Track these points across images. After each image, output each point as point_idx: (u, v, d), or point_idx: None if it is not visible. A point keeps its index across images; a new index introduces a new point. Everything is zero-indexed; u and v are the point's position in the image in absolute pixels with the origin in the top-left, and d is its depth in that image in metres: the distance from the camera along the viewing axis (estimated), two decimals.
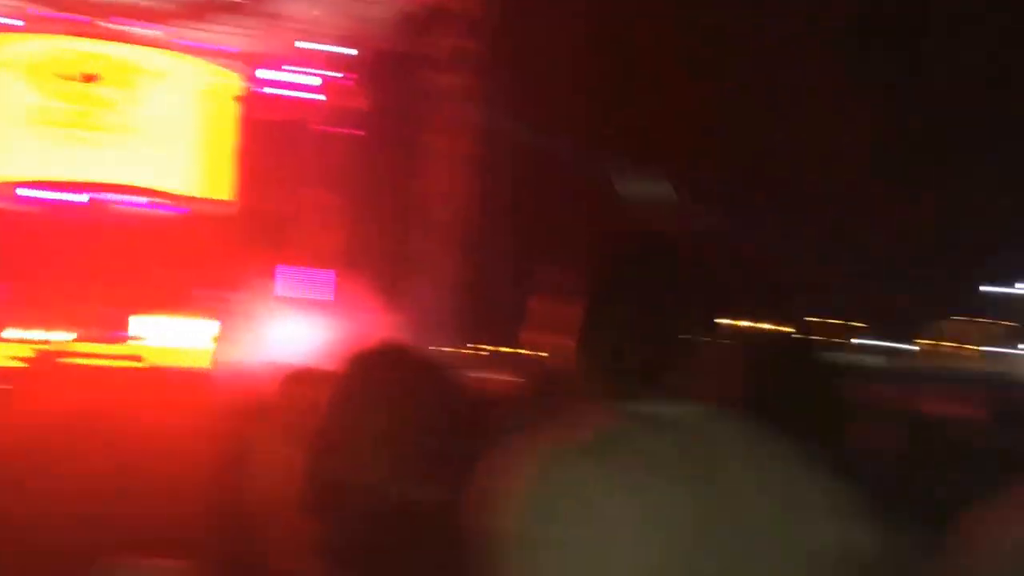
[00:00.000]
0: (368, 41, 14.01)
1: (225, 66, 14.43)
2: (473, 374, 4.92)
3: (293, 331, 10.47)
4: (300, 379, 4.61)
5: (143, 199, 13.97)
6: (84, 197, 13.65)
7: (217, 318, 11.68)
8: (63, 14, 13.31)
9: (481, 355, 13.00)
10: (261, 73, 14.48)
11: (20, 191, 13.52)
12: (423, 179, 13.21)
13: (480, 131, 13.03)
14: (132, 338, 12.46)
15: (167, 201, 14.09)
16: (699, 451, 1.34)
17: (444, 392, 1.86)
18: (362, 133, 14.03)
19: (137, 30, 13.59)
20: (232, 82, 14.50)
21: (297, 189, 13.89)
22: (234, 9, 13.30)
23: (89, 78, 13.53)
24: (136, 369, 10.10)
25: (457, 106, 13.08)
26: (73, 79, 13.49)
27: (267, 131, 14.29)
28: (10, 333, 11.86)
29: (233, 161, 14.38)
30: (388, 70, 13.63)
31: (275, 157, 14.09)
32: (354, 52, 14.21)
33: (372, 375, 1.84)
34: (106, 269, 12.30)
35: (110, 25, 13.44)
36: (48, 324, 12.10)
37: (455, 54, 13.02)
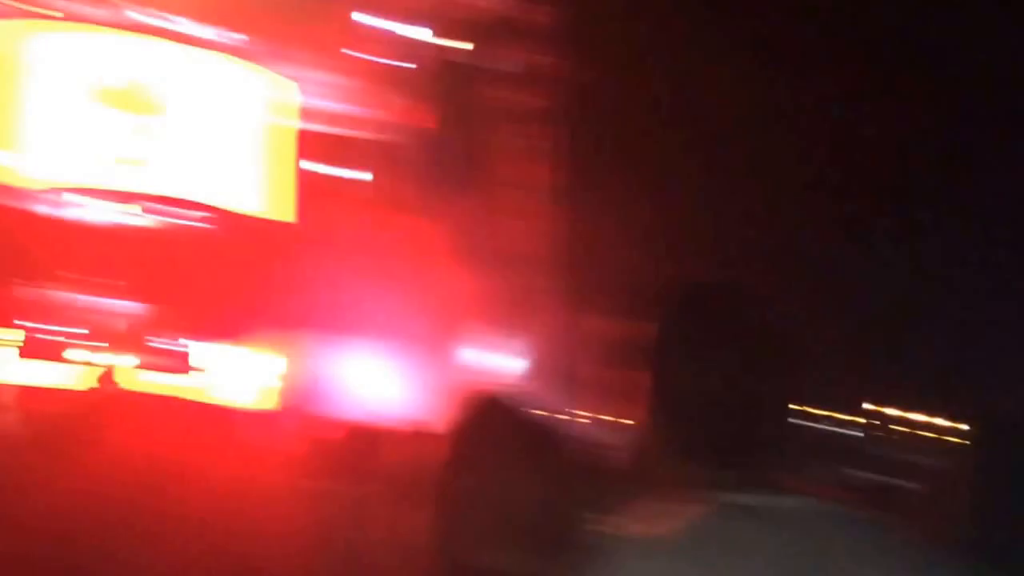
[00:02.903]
0: (437, 55, 13.73)
1: (285, 78, 14.00)
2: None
3: (375, 378, 10.10)
4: (405, 438, 4.60)
5: (199, 214, 13.50)
6: (139, 209, 13.31)
7: (287, 355, 11.23)
8: (123, 10, 13.03)
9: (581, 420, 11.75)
10: (321, 88, 14.17)
11: (72, 198, 13.24)
12: (494, 204, 12.67)
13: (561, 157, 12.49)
14: (195, 368, 11.96)
15: (222, 217, 13.54)
16: (808, 550, 1.21)
17: (560, 459, 1.64)
18: (432, 151, 13.67)
19: (200, 33, 13.30)
20: (293, 96, 14.17)
21: (372, 212, 13.42)
22: (296, 18, 13.09)
23: (145, 83, 13.18)
24: (200, 403, 9.68)
25: (534, 127, 12.60)
26: (129, 83, 13.15)
27: (330, 148, 13.97)
28: (68, 353, 11.55)
29: (295, 179, 13.96)
30: (458, 85, 13.24)
31: (341, 176, 13.73)
32: (417, 66, 13.95)
33: (485, 434, 1.62)
34: (168, 290, 12.01)
35: (169, 25, 13.15)
36: (104, 346, 11.81)
37: (533, 71, 12.61)
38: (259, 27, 13.32)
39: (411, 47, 13.76)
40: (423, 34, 13.26)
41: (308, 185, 13.76)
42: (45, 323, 11.74)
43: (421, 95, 13.85)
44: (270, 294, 11.60)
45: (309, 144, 14.10)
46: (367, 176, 14.14)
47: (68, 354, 11.52)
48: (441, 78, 13.47)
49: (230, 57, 13.51)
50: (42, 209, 13.18)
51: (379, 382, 10.59)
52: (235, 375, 11.81)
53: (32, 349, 11.51)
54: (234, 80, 13.67)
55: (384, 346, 11.23)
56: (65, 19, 13.02)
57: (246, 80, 13.75)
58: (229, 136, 13.62)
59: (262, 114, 13.86)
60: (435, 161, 13.40)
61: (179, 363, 11.77)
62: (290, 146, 14.02)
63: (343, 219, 12.72)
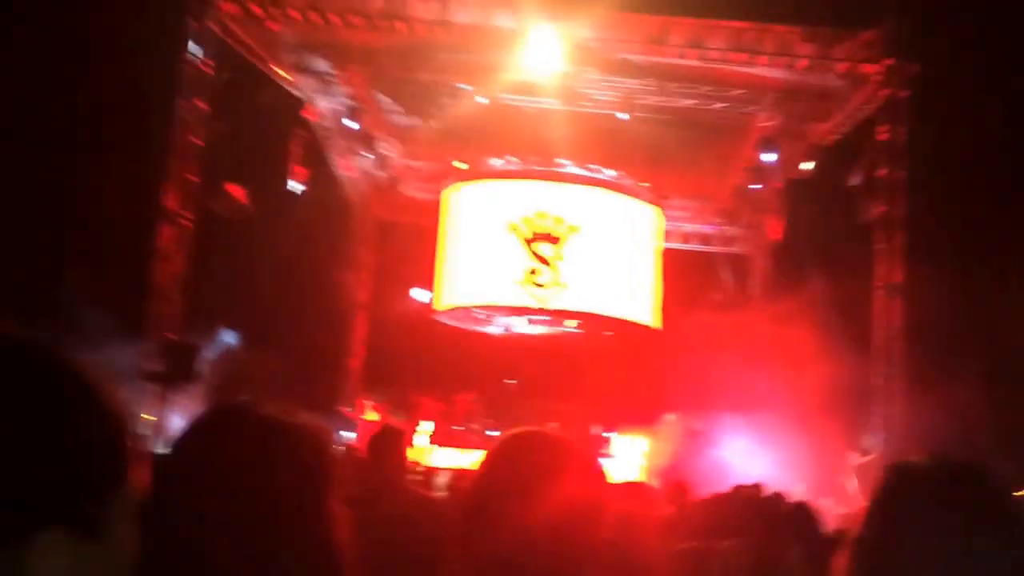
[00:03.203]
0: (788, 173, 15.05)
1: (655, 205, 16.14)
2: None
3: (742, 452, 11.22)
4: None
5: (592, 326, 15.77)
6: (549, 322, 15.72)
7: (664, 437, 12.90)
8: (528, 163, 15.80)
9: None
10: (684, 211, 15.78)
11: (492, 316, 15.96)
12: (855, 307, 13.55)
13: (907, 258, 13.34)
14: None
15: (617, 326, 15.78)
16: None
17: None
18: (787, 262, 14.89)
19: (587, 172, 15.68)
20: (661, 220, 16.17)
21: (732, 315, 14.91)
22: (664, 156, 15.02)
23: (550, 216, 15.54)
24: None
25: (886, 233, 13.45)
26: (539, 217, 15.51)
27: (692, 263, 15.51)
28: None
29: (660, 291, 15.84)
30: (812, 201, 14.45)
31: (698, 286, 15.25)
32: (765, 185, 15.33)
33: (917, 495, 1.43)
34: (563, 387, 14.06)
35: (565, 169, 15.62)
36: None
37: (881, 184, 13.46)
38: (632, 166, 15.50)
39: (761, 169, 15.28)
40: (770, 157, 14.76)
41: (674, 295, 15.59)
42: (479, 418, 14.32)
43: (771, 210, 15.26)
44: (652, 387, 13.49)
45: (675, 259, 15.94)
46: (726, 284, 15.66)
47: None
48: (788, 194, 14.79)
49: (611, 191, 15.82)
50: (469, 326, 16.18)
51: (744, 456, 11.82)
52: (626, 455, 13.70)
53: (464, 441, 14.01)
54: (617, 209, 15.88)
55: (749, 425, 12.54)
56: (483, 175, 16.15)
57: (626, 209, 15.93)
58: (618, 257, 15.73)
59: (639, 237, 15.97)
60: (786, 269, 14.66)
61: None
62: (660, 262, 16.04)
63: (706, 323, 14.29)
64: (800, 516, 5.47)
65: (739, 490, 6.00)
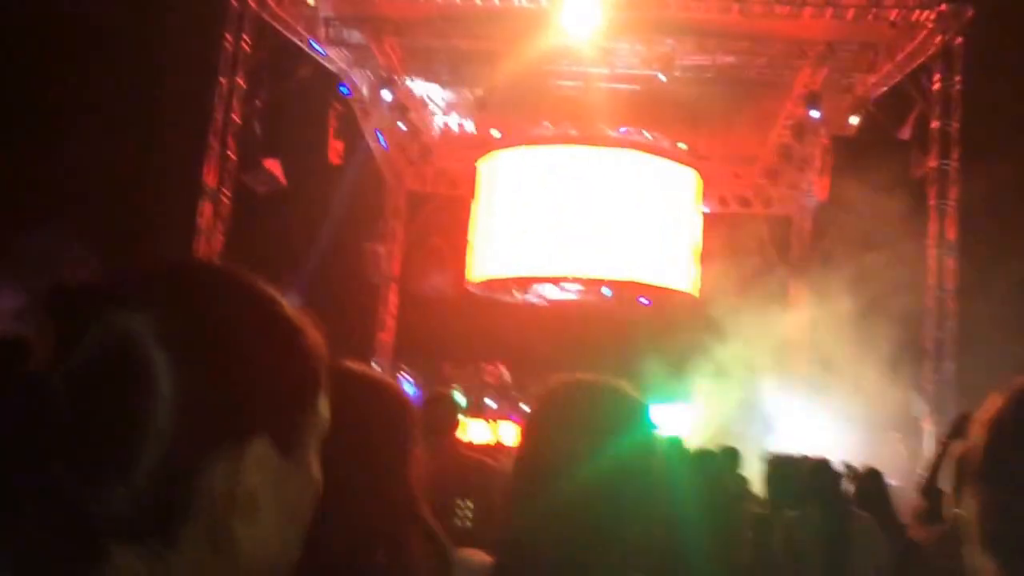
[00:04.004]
0: (834, 129, 14.53)
1: (691, 167, 15.71)
2: None
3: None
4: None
5: (637, 292, 15.47)
6: (584, 290, 15.49)
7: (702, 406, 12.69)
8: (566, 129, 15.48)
9: None
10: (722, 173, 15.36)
11: (529, 286, 15.75)
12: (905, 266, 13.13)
13: (959, 213, 12.83)
14: None
15: (655, 292, 15.48)
16: None
17: None
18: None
19: (621, 137, 15.29)
20: (698, 182, 15.77)
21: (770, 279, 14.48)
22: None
23: (588, 185, 15.22)
24: None
25: (939, 188, 13.02)
26: (574, 183, 15.18)
27: (731, 226, 15.20)
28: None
29: (699, 256, 15.48)
30: (858, 156, 14.00)
31: (738, 252, 15.00)
32: (807, 142, 14.83)
33: None
34: (599, 357, 13.89)
35: (599, 133, 15.25)
36: None
37: (931, 136, 13.00)
38: (671, 128, 15.14)
39: (805, 126, 14.76)
40: (815, 113, 14.21)
41: (713, 261, 15.23)
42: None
43: (815, 169, 14.76)
44: (692, 355, 13.23)
45: (713, 223, 15.56)
46: (764, 249, 15.26)
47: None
48: (833, 151, 14.26)
49: (649, 154, 15.41)
50: (504, 297, 16.01)
51: (790, 423, 11.55)
52: (667, 425, 13.44)
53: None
54: (655, 173, 15.46)
55: (794, 391, 12.26)
56: (518, 142, 15.86)
57: (663, 172, 15.51)
58: (655, 222, 15.34)
59: (677, 201, 15.60)
60: (828, 227, 14.20)
61: None
62: (698, 226, 15.65)
63: (747, 288, 13.89)
64: (868, 485, 5.33)
65: (804, 460, 5.88)
